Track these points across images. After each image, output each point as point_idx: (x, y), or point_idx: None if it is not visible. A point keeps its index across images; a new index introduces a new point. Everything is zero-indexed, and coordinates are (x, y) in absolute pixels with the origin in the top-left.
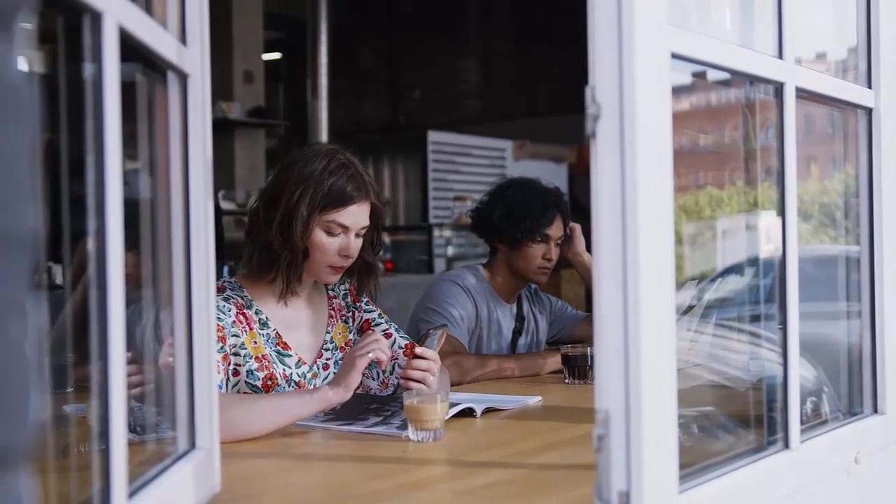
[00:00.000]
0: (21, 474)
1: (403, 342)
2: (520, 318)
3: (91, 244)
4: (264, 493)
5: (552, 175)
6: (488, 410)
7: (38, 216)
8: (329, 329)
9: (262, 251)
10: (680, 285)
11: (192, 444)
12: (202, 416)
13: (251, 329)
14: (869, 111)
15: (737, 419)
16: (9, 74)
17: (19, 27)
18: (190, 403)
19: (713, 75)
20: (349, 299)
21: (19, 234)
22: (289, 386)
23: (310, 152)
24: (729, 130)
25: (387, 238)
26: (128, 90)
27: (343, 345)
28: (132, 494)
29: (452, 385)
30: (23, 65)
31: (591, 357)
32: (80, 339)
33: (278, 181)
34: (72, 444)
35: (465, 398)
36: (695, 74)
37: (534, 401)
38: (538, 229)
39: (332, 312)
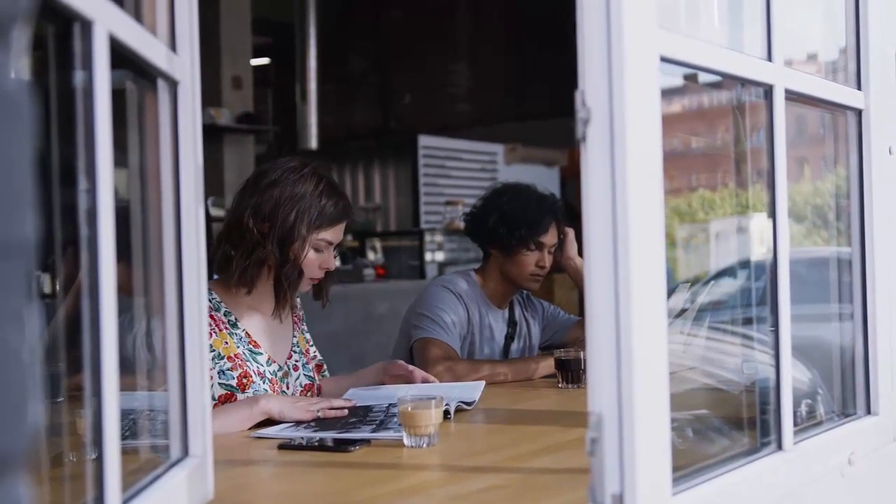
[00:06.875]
0: (20, 480)
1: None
2: (512, 324)
3: (83, 253)
4: (257, 500)
5: (543, 179)
6: (460, 410)
7: (36, 224)
8: (295, 334)
9: (255, 266)
10: (672, 288)
11: (185, 452)
12: (195, 424)
13: (221, 330)
14: (859, 112)
15: (730, 421)
16: (7, 83)
17: (16, 36)
18: (182, 411)
19: (704, 77)
20: (302, 313)
21: (18, 242)
22: (263, 382)
23: (291, 168)
24: (721, 132)
25: (378, 244)
26: (117, 97)
27: (304, 351)
28: (126, 502)
29: None
30: (20, 73)
31: (585, 361)
32: (70, 348)
33: (268, 198)
34: (65, 453)
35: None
36: (686, 77)
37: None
38: (533, 237)
39: (296, 320)
